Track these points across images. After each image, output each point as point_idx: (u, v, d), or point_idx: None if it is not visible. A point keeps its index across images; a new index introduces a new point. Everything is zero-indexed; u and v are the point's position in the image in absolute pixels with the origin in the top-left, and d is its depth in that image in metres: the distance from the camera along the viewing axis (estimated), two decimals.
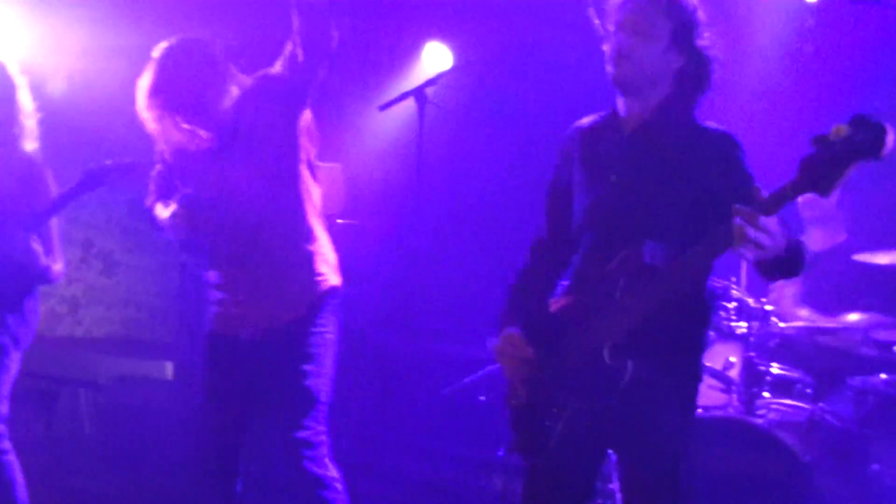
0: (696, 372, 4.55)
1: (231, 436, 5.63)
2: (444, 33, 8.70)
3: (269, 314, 5.45)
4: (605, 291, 4.33)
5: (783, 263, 4.05)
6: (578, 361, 4.34)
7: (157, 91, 5.34)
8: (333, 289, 5.57)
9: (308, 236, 5.51)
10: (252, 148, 5.44)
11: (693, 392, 4.54)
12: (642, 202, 4.43)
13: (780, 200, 3.80)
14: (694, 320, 4.50)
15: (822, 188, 3.73)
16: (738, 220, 3.75)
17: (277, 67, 5.51)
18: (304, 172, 5.55)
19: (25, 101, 6.18)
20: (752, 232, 3.73)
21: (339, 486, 5.51)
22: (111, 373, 7.74)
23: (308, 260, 5.48)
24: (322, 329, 5.52)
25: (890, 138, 3.63)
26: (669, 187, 4.40)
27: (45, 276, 6.15)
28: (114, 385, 7.72)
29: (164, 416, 7.61)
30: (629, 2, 4.47)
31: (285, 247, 5.47)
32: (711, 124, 4.49)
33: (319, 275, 5.52)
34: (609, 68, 4.45)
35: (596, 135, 4.65)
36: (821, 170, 3.72)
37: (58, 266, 6.16)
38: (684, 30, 4.45)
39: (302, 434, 5.44)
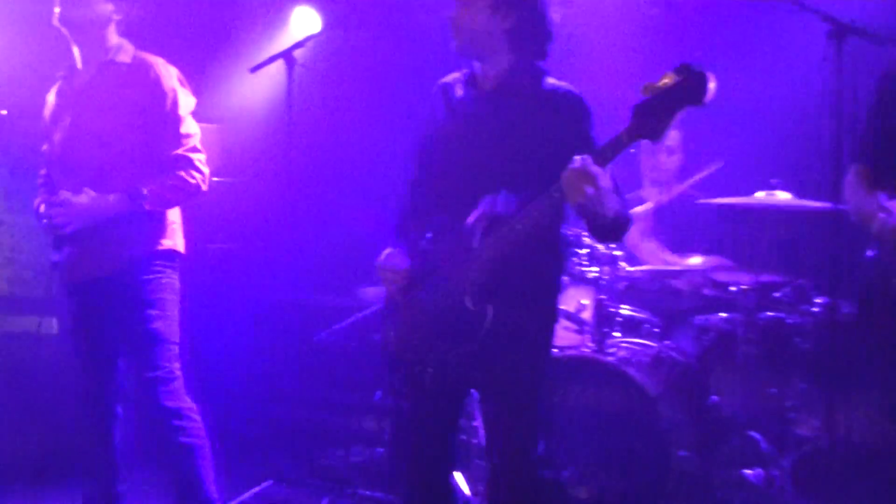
0: (551, 314, 4.73)
1: (96, 373, 5.80)
2: None
3: (95, 265, 5.62)
4: (464, 241, 4.46)
5: (610, 227, 4.38)
6: (443, 307, 4.50)
7: None
8: (171, 252, 5.77)
9: None
10: None
11: (549, 333, 4.71)
12: (496, 156, 4.55)
13: (616, 147, 4.09)
14: (548, 266, 4.66)
15: (653, 133, 4.01)
16: (569, 168, 4.02)
17: None
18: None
19: None
20: (579, 180, 3.99)
21: (195, 416, 5.64)
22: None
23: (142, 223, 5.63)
24: (157, 280, 5.67)
25: (712, 86, 3.87)
26: (520, 143, 4.52)
27: None
28: (2, 339, 7.77)
29: (50, 368, 7.60)
30: None
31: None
32: (561, 84, 4.61)
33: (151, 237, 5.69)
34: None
35: (455, 91, 4.79)
36: (651, 115, 3.96)
37: None
38: (509, 9, 4.57)
39: (154, 373, 5.57)
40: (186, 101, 5.74)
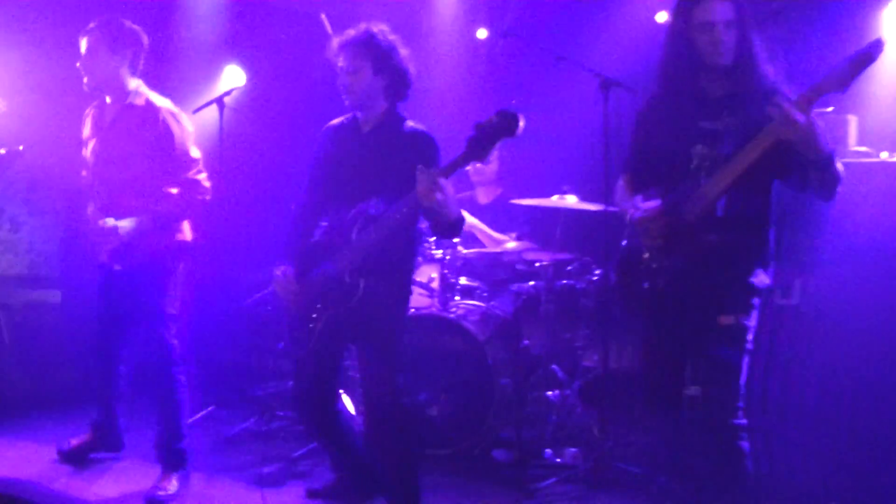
0: (407, 286, 4.94)
1: (111, 334, 5.91)
2: (239, 57, 8.70)
3: (127, 259, 5.62)
4: (345, 233, 4.67)
5: (450, 226, 4.58)
6: (328, 281, 4.69)
7: None
8: (183, 242, 5.78)
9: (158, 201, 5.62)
10: None
11: (405, 300, 4.93)
12: (371, 176, 4.74)
13: (454, 166, 4.30)
14: (405, 251, 4.86)
15: (481, 157, 4.27)
16: (424, 179, 4.25)
17: None
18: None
19: None
20: (432, 189, 4.23)
21: (184, 380, 5.76)
22: (21, 300, 7.84)
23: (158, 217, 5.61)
24: (169, 268, 5.73)
25: (521, 123, 4.16)
26: (389, 168, 4.72)
27: None
28: (22, 308, 7.80)
29: (57, 329, 7.79)
30: (341, 49, 4.76)
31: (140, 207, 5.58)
32: (418, 126, 4.82)
33: (171, 231, 5.71)
34: (344, 98, 4.79)
35: (342, 132, 4.96)
36: (479, 144, 4.21)
37: None
38: (382, 60, 4.73)
39: (163, 338, 5.67)
40: (188, 134, 5.71)
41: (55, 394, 7.47)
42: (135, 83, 5.71)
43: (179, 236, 5.77)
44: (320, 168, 5.02)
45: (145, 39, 5.74)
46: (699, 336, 4.27)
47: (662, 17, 7.77)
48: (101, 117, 5.79)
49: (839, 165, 4.05)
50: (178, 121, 5.68)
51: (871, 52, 3.79)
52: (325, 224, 4.95)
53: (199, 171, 5.70)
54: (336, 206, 4.87)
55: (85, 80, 5.63)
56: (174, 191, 5.62)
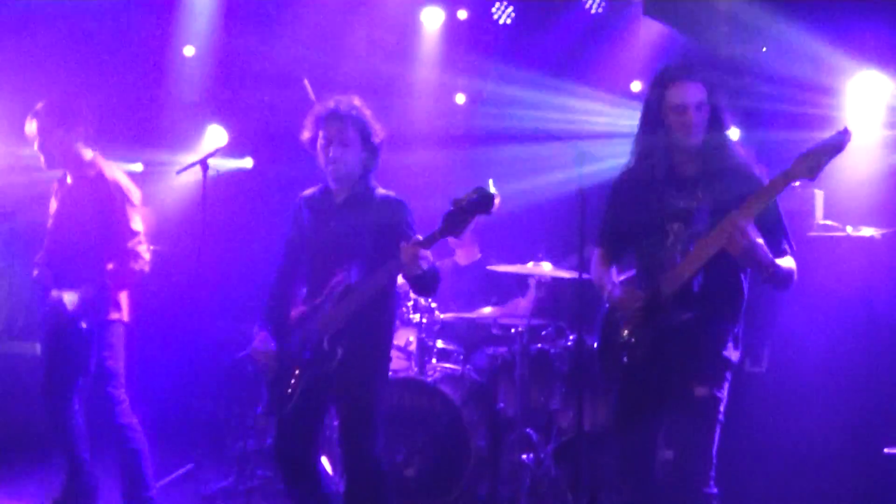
0: (386, 351, 4.99)
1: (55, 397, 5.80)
2: (221, 117, 8.81)
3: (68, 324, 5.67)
4: (324, 301, 4.77)
5: (427, 284, 4.72)
6: (307, 348, 4.78)
7: None
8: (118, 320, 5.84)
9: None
10: None
11: (385, 364, 5.00)
12: (346, 245, 4.81)
13: (433, 239, 4.42)
14: (383, 317, 4.91)
15: (457, 233, 4.40)
16: (408, 251, 4.38)
17: None
18: None
19: None
20: (415, 259, 4.37)
21: (139, 428, 5.81)
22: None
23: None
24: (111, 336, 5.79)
25: (497, 201, 4.30)
26: (361, 234, 4.80)
27: None
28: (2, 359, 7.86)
29: (38, 382, 7.74)
30: (333, 120, 4.83)
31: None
32: (387, 192, 4.94)
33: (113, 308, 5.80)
34: (327, 168, 4.85)
35: (315, 202, 5.04)
36: (455, 220, 4.35)
37: None
38: (368, 136, 4.86)
39: (110, 397, 5.73)
40: (132, 206, 5.79)
41: (38, 448, 7.19)
42: (90, 154, 5.82)
43: (115, 315, 5.83)
44: (297, 237, 5.09)
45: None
46: (674, 405, 4.35)
47: (637, 86, 7.94)
48: (61, 189, 5.91)
49: (788, 262, 4.23)
50: (123, 193, 5.77)
51: (840, 140, 3.93)
52: (304, 291, 5.02)
53: (140, 243, 5.78)
54: (314, 274, 4.96)
55: (42, 159, 5.77)
56: (110, 265, 5.71)
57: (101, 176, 5.77)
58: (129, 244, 5.73)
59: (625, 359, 4.45)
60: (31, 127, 5.72)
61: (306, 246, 5.05)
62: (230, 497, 6.77)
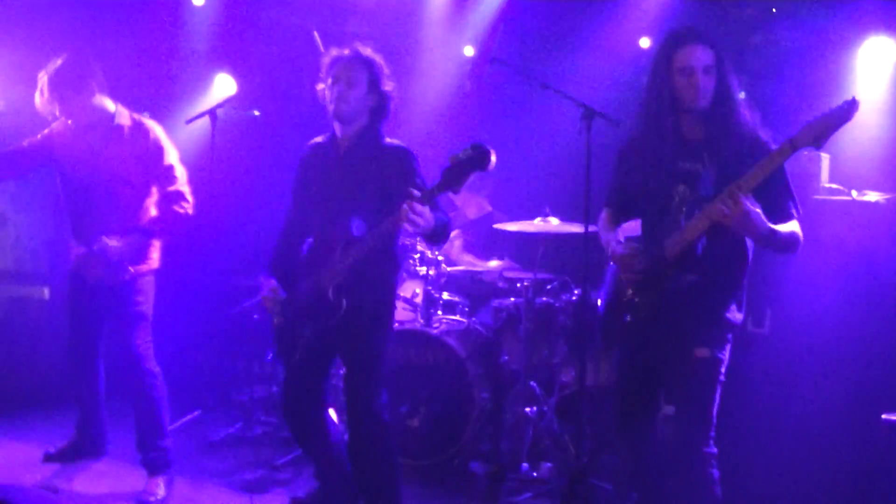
0: (390, 302, 5.05)
1: (85, 337, 5.96)
2: (230, 66, 8.77)
3: (106, 276, 5.73)
4: (328, 252, 4.81)
5: (434, 236, 4.70)
6: (313, 298, 4.83)
7: None
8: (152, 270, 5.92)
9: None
10: None
11: (389, 315, 5.03)
12: (350, 194, 4.87)
13: (431, 195, 4.45)
14: (388, 269, 5.00)
15: (454, 188, 4.42)
16: (403, 207, 4.38)
17: None
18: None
19: None
20: (411, 215, 4.37)
21: (161, 377, 5.87)
22: (5, 296, 7.90)
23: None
24: (145, 285, 5.85)
25: (493, 158, 4.31)
26: (366, 185, 4.85)
27: None
28: (8, 303, 7.88)
29: (44, 325, 7.85)
30: (341, 61, 4.91)
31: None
32: (394, 141, 4.98)
33: (148, 258, 5.85)
34: (330, 106, 4.90)
35: (322, 149, 5.09)
36: (452, 175, 4.38)
37: None
38: (376, 81, 4.91)
39: (139, 344, 5.78)
40: (174, 152, 5.89)
41: (42, 391, 7.47)
42: (111, 104, 5.82)
43: (152, 263, 5.91)
44: (303, 187, 5.16)
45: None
46: (674, 365, 4.40)
47: (646, 42, 7.92)
48: (78, 140, 5.80)
49: (792, 227, 4.25)
50: (162, 137, 5.85)
51: (847, 110, 3.94)
52: (310, 240, 5.08)
53: (183, 185, 5.84)
54: (320, 223, 5.00)
55: (69, 122, 5.76)
56: (153, 209, 5.81)
57: (138, 124, 5.82)
58: (174, 187, 5.79)
59: (627, 318, 4.50)
60: (42, 101, 5.68)
61: (312, 195, 5.09)
62: (237, 444, 6.87)
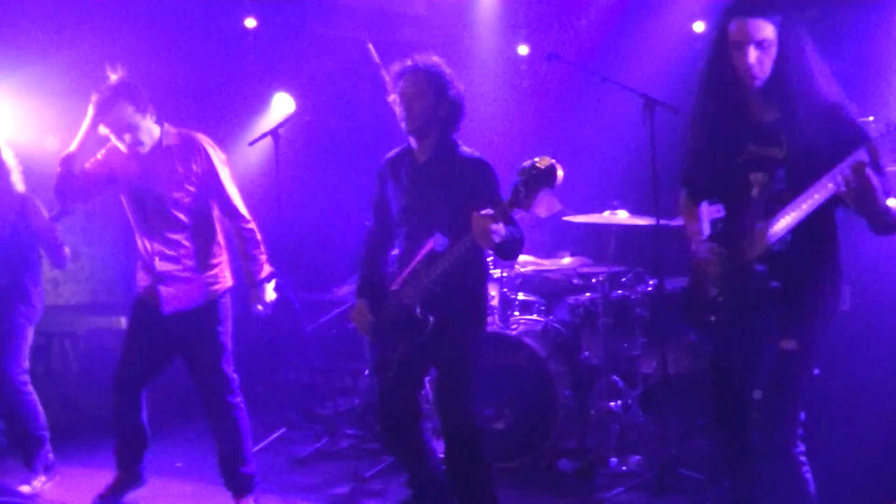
0: (481, 313, 5.04)
1: (141, 375, 5.74)
2: (287, 86, 8.84)
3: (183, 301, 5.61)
4: (414, 268, 4.84)
5: (506, 251, 4.71)
6: (401, 315, 4.87)
7: None
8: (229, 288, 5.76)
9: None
10: None
11: (479, 328, 5.03)
12: (429, 208, 4.87)
13: (503, 212, 4.44)
14: (475, 281, 5.00)
15: (525, 207, 4.41)
16: (479, 225, 4.42)
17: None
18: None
19: (9, 158, 6.27)
20: (486, 235, 4.41)
21: (244, 408, 5.72)
22: (85, 326, 8.02)
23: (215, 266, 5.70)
24: (225, 308, 5.70)
25: (560, 174, 4.31)
26: (445, 198, 4.84)
27: (61, 265, 6.45)
28: (88, 334, 8.01)
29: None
30: (406, 74, 4.89)
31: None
32: (471, 151, 4.94)
33: (221, 277, 5.72)
34: (402, 123, 4.88)
35: (398, 163, 5.07)
36: (522, 194, 4.35)
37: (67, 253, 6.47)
38: (444, 91, 4.86)
39: (222, 377, 5.64)
40: (226, 169, 5.74)
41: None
42: (156, 127, 5.64)
43: (228, 282, 5.79)
44: (382, 202, 5.17)
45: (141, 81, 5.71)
46: (762, 358, 4.23)
47: (700, 26, 7.90)
48: (130, 162, 5.62)
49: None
50: (214, 151, 5.72)
51: None
52: (396, 253, 5.12)
53: (240, 201, 5.76)
54: (405, 238, 5.03)
55: (127, 138, 5.54)
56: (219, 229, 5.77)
57: (189, 138, 5.68)
58: (234, 202, 5.72)
59: (713, 318, 4.33)
60: (107, 113, 5.51)
61: (392, 210, 5.11)
62: (324, 458, 6.93)
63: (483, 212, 4.47)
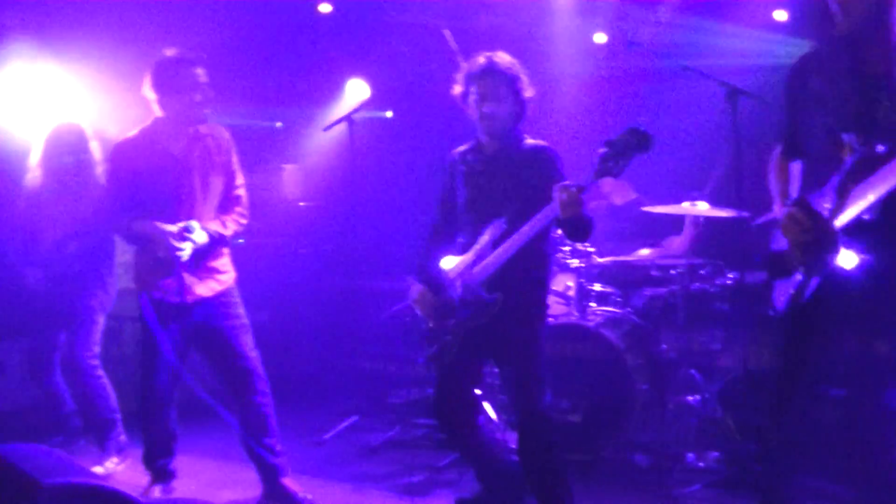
0: (543, 298, 5.05)
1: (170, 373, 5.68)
2: (361, 71, 8.90)
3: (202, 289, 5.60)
4: (480, 251, 4.88)
5: (579, 229, 4.71)
6: (466, 297, 4.88)
7: None
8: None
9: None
10: None
11: (542, 313, 5.04)
12: (496, 198, 4.93)
13: (590, 183, 4.40)
14: (540, 265, 5.01)
15: (615, 174, 4.35)
16: (566, 196, 4.37)
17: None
18: None
19: (96, 151, 6.40)
20: (573, 204, 4.37)
21: (269, 388, 5.71)
22: None
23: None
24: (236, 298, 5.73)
25: (652, 141, 4.25)
26: (511, 188, 4.90)
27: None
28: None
29: None
30: (486, 77, 4.91)
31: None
32: (535, 141, 5.01)
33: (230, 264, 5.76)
34: (482, 123, 4.94)
35: (468, 158, 5.14)
36: (612, 161, 4.30)
37: None
38: (519, 90, 4.95)
39: (246, 361, 5.64)
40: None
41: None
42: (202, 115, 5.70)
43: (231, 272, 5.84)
44: (449, 193, 5.24)
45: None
46: (849, 358, 4.06)
47: (781, 15, 7.80)
48: (170, 143, 5.60)
49: None
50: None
51: None
52: (461, 241, 5.15)
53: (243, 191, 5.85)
54: (470, 227, 5.08)
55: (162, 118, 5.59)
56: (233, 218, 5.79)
57: (217, 130, 5.74)
58: (239, 190, 5.80)
59: (792, 292, 3.95)
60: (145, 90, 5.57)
61: (460, 201, 5.17)
62: (396, 447, 6.92)
63: (566, 182, 4.48)
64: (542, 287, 5.09)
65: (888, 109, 3.62)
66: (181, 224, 5.46)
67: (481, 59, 4.99)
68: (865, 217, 3.63)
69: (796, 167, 4.11)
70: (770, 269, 4.17)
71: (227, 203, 5.77)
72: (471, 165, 5.14)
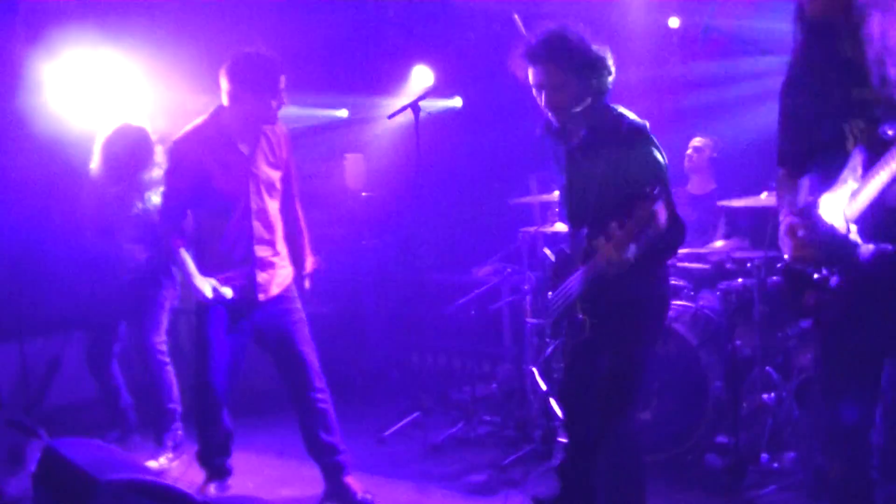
0: (644, 319, 4.53)
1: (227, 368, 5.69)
2: (426, 58, 8.86)
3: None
4: (574, 260, 4.56)
5: (664, 247, 4.37)
6: (566, 313, 4.60)
7: None
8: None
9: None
10: None
11: (640, 334, 4.53)
12: (586, 194, 4.48)
13: (622, 243, 4.04)
14: (640, 282, 4.41)
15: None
16: (603, 253, 4.11)
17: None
18: None
19: (159, 153, 6.42)
20: (611, 264, 4.09)
21: (325, 389, 5.69)
22: None
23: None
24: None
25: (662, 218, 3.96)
26: (599, 184, 4.40)
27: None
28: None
29: None
30: (537, 64, 4.39)
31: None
32: (630, 120, 4.42)
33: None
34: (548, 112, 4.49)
35: (557, 139, 4.64)
36: (615, 228, 4.05)
37: None
38: (579, 60, 4.33)
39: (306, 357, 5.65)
40: None
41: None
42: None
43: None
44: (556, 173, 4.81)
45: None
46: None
47: None
48: (238, 140, 5.56)
49: None
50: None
51: None
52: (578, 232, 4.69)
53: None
54: (569, 220, 4.74)
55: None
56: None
57: (280, 128, 5.74)
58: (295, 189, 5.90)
59: (815, 299, 3.76)
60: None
61: (559, 188, 4.81)
62: (460, 445, 6.88)
63: (603, 241, 4.11)
64: (644, 305, 4.59)
65: (874, 90, 3.46)
66: (215, 282, 5.50)
67: (532, 40, 4.45)
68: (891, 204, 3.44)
69: (805, 181, 3.85)
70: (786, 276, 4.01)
71: (287, 200, 5.82)
72: (559, 150, 4.70)
